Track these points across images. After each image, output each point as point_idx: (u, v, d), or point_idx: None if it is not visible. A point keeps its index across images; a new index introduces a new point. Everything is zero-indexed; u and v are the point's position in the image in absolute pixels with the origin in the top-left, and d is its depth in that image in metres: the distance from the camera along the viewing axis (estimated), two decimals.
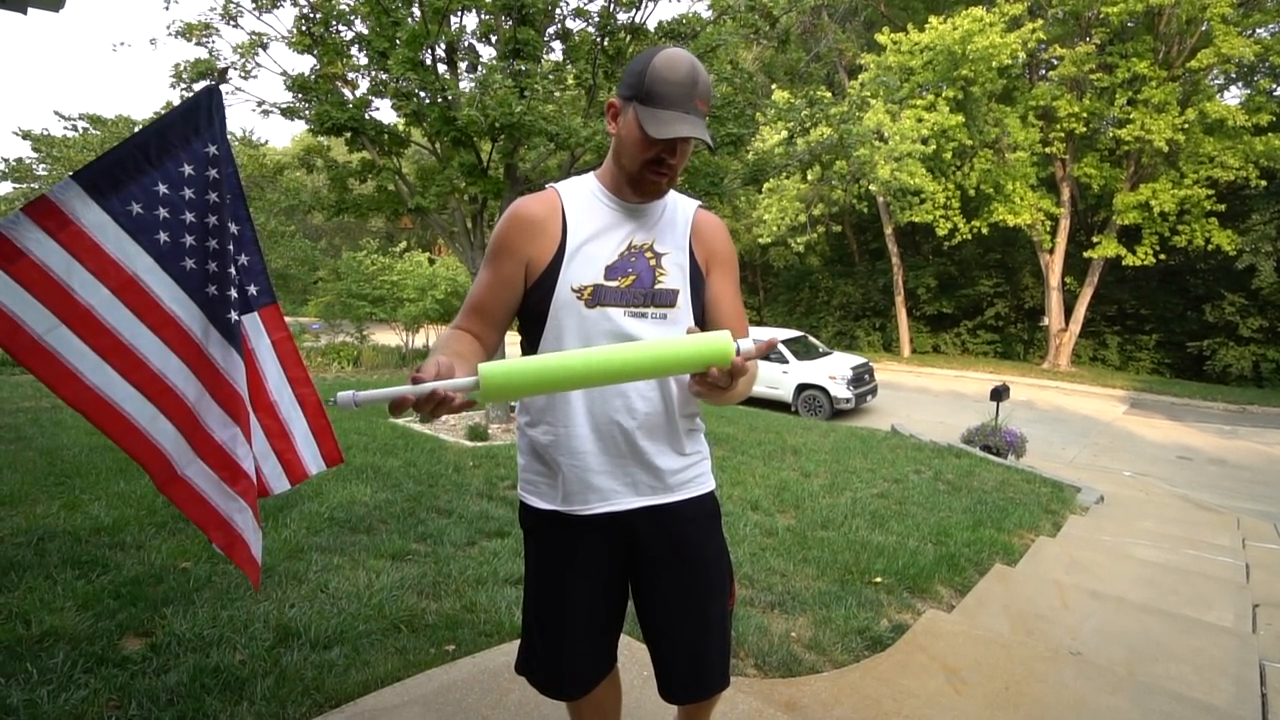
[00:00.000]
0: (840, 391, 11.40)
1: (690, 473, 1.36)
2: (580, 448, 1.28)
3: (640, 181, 1.25)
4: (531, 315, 1.28)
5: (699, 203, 1.38)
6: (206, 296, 1.61)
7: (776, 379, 12.04)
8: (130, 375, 1.49)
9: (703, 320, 1.34)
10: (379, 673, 2.19)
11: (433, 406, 0.96)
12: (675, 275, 1.29)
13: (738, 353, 1.03)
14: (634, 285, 1.26)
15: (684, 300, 1.29)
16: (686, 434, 1.35)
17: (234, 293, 1.63)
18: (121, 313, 1.48)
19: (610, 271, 1.25)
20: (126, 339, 1.49)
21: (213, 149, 1.59)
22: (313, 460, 1.97)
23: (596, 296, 1.24)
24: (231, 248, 1.63)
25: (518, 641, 2.42)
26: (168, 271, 1.55)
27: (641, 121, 1.17)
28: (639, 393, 1.28)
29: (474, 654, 2.33)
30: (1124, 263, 17.30)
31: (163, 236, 1.54)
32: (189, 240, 1.58)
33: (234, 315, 1.62)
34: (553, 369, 0.99)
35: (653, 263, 1.28)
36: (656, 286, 1.27)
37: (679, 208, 1.35)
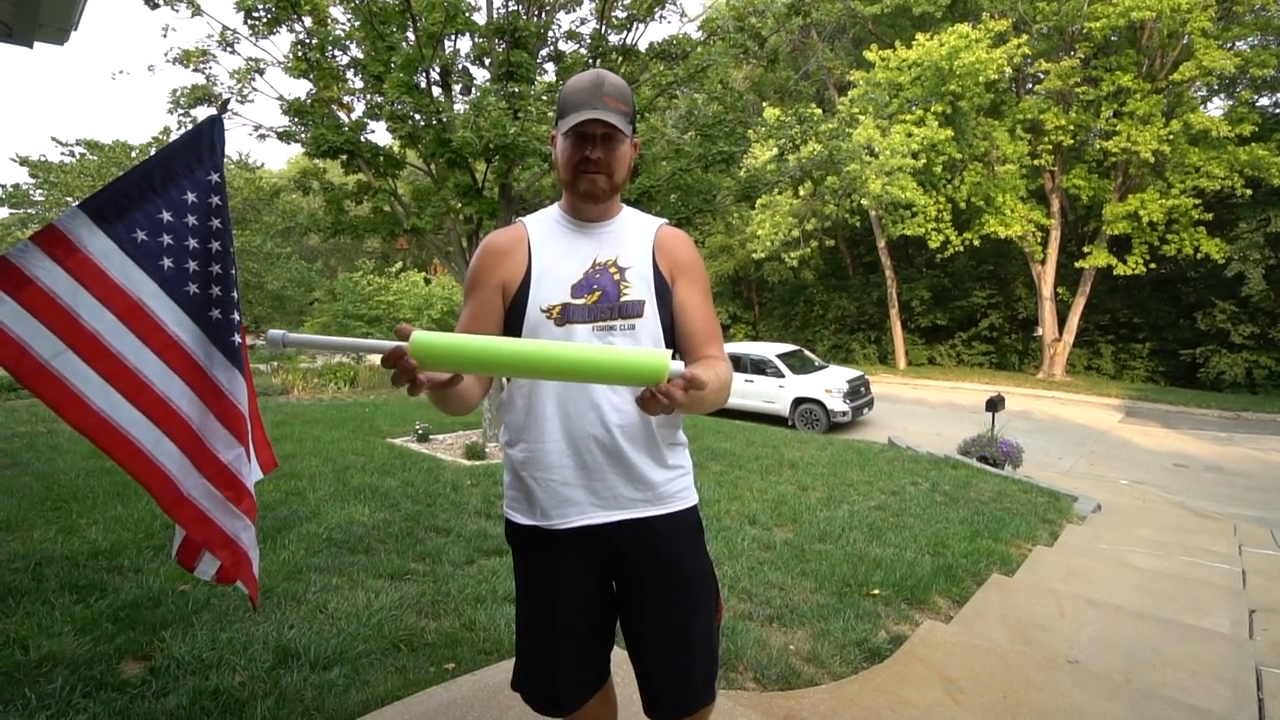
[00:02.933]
0: (837, 405, 11.43)
1: (670, 487, 1.38)
2: (555, 462, 1.32)
3: (576, 184, 1.31)
4: (509, 337, 1.33)
5: (663, 220, 1.43)
6: (209, 320, 1.64)
7: (773, 393, 12.07)
8: (135, 399, 1.52)
9: (672, 327, 1.37)
10: (379, 692, 2.19)
11: (395, 373, 1.01)
12: (640, 287, 1.33)
13: (675, 375, 1.00)
14: (600, 301, 1.31)
15: (650, 310, 1.33)
16: (667, 447, 1.38)
17: (237, 316, 1.67)
18: (126, 337, 1.51)
19: (576, 290, 1.31)
20: (131, 363, 1.51)
21: (215, 176, 1.64)
22: (256, 470, 1.98)
23: (565, 314, 1.30)
24: (233, 272, 1.67)
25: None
26: (171, 296, 1.58)
27: (557, 130, 1.29)
28: (612, 405, 1.30)
29: (474, 671, 2.33)
30: (1115, 272, 17.46)
31: (166, 262, 1.58)
32: (192, 266, 1.62)
33: (237, 338, 1.66)
34: (478, 347, 0.99)
35: (616, 277, 1.33)
36: (622, 299, 1.32)
37: (641, 225, 1.40)
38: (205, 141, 1.63)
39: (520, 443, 1.35)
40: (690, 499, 1.42)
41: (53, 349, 1.42)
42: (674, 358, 1.03)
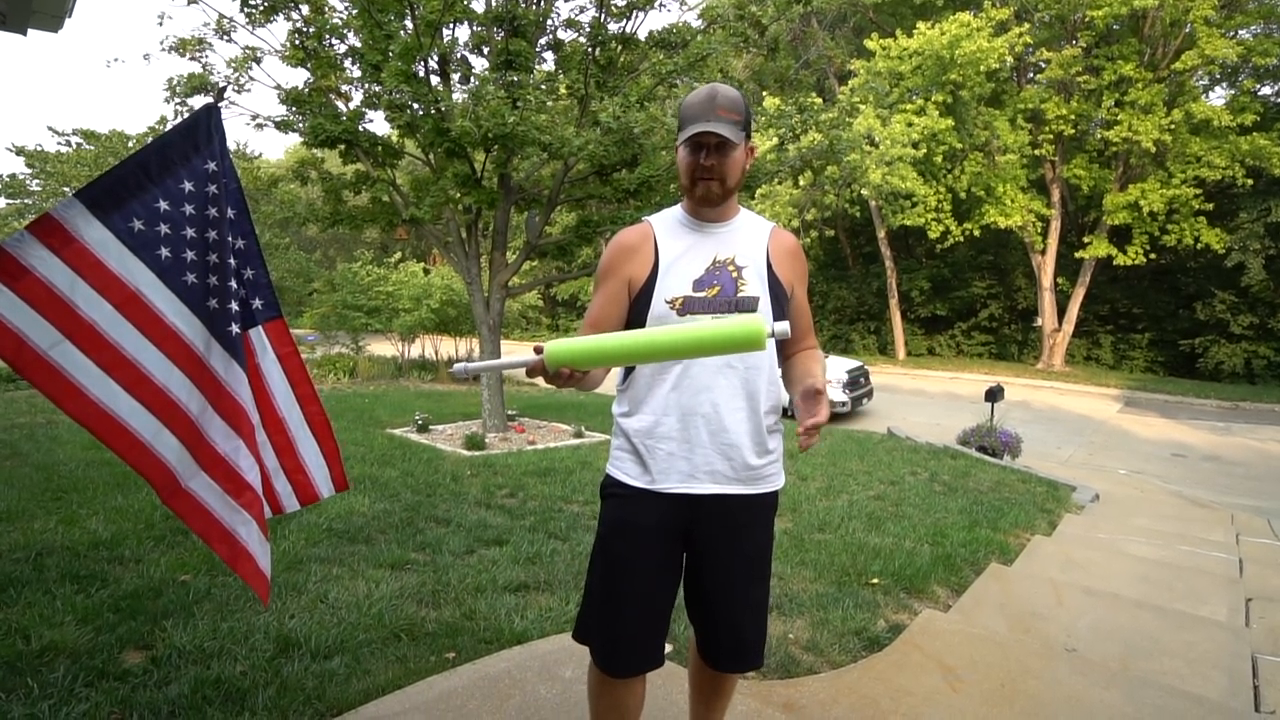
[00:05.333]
0: (836, 395, 11.43)
1: (764, 470, 1.51)
2: (664, 434, 1.45)
3: (693, 189, 1.45)
4: (634, 326, 1.47)
5: (774, 224, 1.58)
6: (208, 310, 1.63)
7: None
8: (134, 389, 1.51)
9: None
10: (380, 681, 2.20)
11: (548, 377, 1.22)
12: (755, 284, 1.47)
13: (771, 334, 1.18)
14: (719, 295, 1.45)
15: (764, 306, 1.46)
16: (768, 433, 1.51)
17: (235, 306, 1.66)
18: (124, 327, 1.50)
19: (698, 284, 1.45)
20: (130, 353, 1.51)
21: (212, 165, 1.62)
22: (324, 483, 1.97)
23: (687, 306, 1.43)
24: (234, 261, 1.66)
25: (517, 648, 2.45)
26: (169, 286, 1.58)
27: (678, 139, 1.43)
28: (722, 390, 1.44)
29: (474, 661, 2.34)
30: (1115, 262, 17.44)
31: (164, 252, 1.57)
32: (190, 255, 1.61)
33: (235, 328, 1.65)
34: (602, 346, 1.16)
35: (734, 275, 1.46)
36: (739, 295, 1.45)
37: (756, 227, 1.54)
38: (202, 130, 1.61)
39: (637, 413, 1.48)
40: (778, 482, 1.55)
41: (50, 339, 1.41)
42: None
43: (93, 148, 19.81)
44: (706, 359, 1.41)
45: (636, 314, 1.47)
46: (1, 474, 4.53)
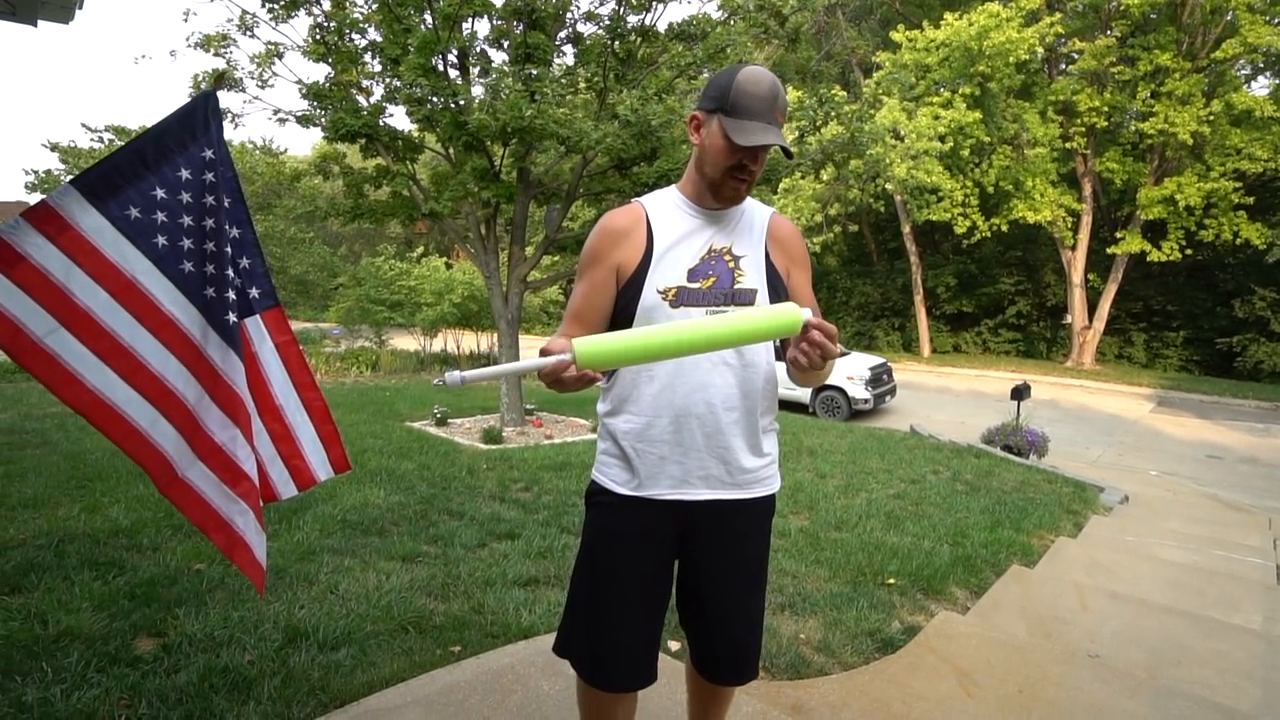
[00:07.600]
0: (858, 392, 11.28)
1: (760, 474, 1.43)
2: (655, 436, 1.36)
3: (721, 187, 1.34)
4: (621, 317, 1.37)
5: (773, 209, 1.47)
6: (204, 299, 1.63)
7: None
8: (130, 378, 1.51)
9: None
10: (384, 673, 2.19)
11: (552, 380, 1.14)
12: (753, 276, 1.37)
13: (806, 322, 1.15)
14: (714, 286, 1.35)
15: (761, 299, 1.37)
16: (764, 434, 1.43)
17: (232, 295, 1.65)
18: (121, 315, 1.50)
19: (692, 274, 1.35)
20: (126, 341, 1.51)
21: (209, 153, 1.62)
22: (321, 466, 1.97)
23: (680, 298, 1.34)
24: (230, 250, 1.65)
25: (522, 643, 2.43)
26: (166, 274, 1.58)
27: (727, 131, 1.27)
28: (718, 389, 1.35)
29: (478, 655, 2.33)
30: (1149, 258, 16.97)
31: (161, 240, 1.56)
32: (187, 243, 1.60)
33: (232, 317, 1.64)
34: (639, 342, 1.10)
35: (731, 265, 1.37)
36: (736, 287, 1.36)
37: (755, 213, 1.44)
38: (199, 117, 1.60)
39: (624, 413, 1.39)
40: (774, 485, 1.47)
41: (46, 327, 1.41)
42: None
43: (123, 143, 20.24)
44: (701, 355, 1.31)
45: (625, 304, 1.36)
46: (31, 462, 4.63)
